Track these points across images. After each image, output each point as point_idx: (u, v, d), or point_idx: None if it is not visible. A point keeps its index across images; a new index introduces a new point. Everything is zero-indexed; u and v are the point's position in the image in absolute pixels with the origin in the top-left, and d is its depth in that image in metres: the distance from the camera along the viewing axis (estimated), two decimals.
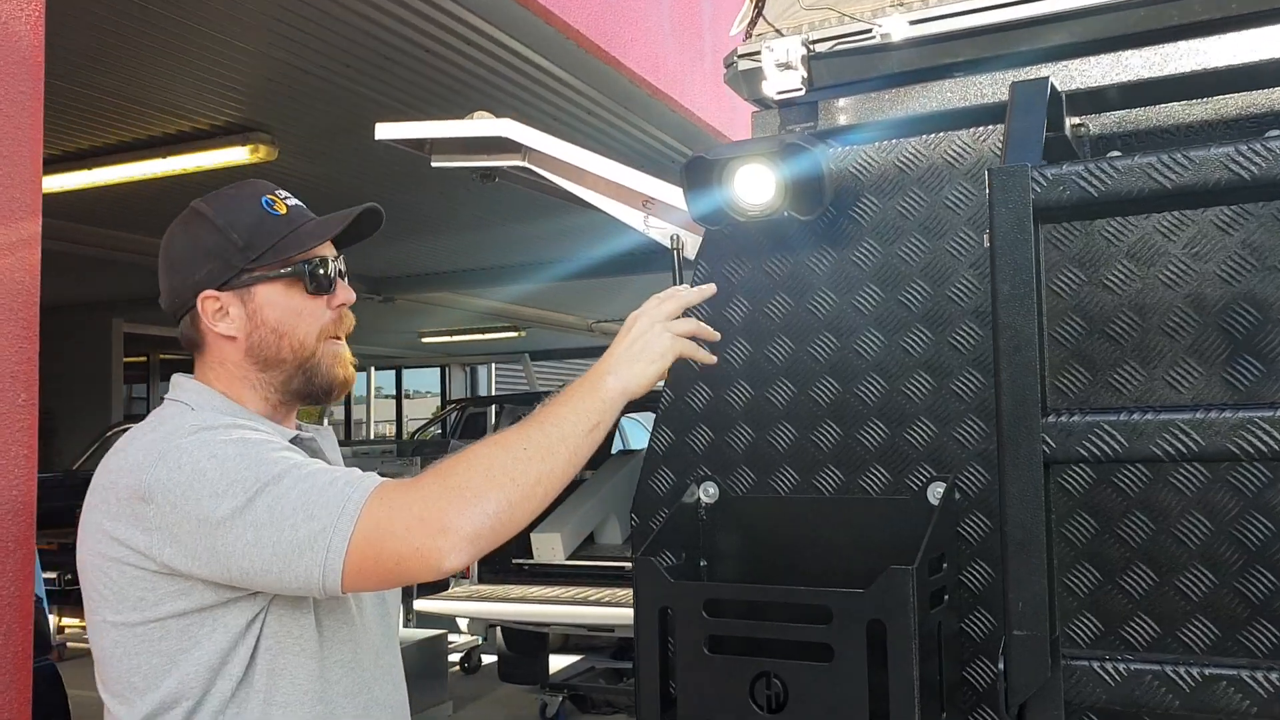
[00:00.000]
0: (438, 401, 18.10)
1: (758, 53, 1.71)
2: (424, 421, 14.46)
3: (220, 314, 1.50)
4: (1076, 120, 1.50)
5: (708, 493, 1.81)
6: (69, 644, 8.72)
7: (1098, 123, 1.58)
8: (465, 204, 6.22)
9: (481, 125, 2.16)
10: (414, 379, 19.55)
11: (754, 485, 1.79)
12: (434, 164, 2.36)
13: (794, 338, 1.77)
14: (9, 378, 1.62)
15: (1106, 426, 1.18)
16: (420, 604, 6.66)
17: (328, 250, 1.57)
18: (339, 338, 1.57)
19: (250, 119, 4.85)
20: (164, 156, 5.03)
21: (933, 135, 1.69)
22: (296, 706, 1.43)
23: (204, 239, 1.51)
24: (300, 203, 1.58)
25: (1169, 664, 1.20)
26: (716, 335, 1.63)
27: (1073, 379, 1.57)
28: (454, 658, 7.78)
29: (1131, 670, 1.21)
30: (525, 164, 2.21)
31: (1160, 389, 1.52)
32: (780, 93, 1.70)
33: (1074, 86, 1.56)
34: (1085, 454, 1.19)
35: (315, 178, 5.84)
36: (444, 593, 6.86)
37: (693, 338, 1.58)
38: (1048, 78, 1.38)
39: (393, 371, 18.86)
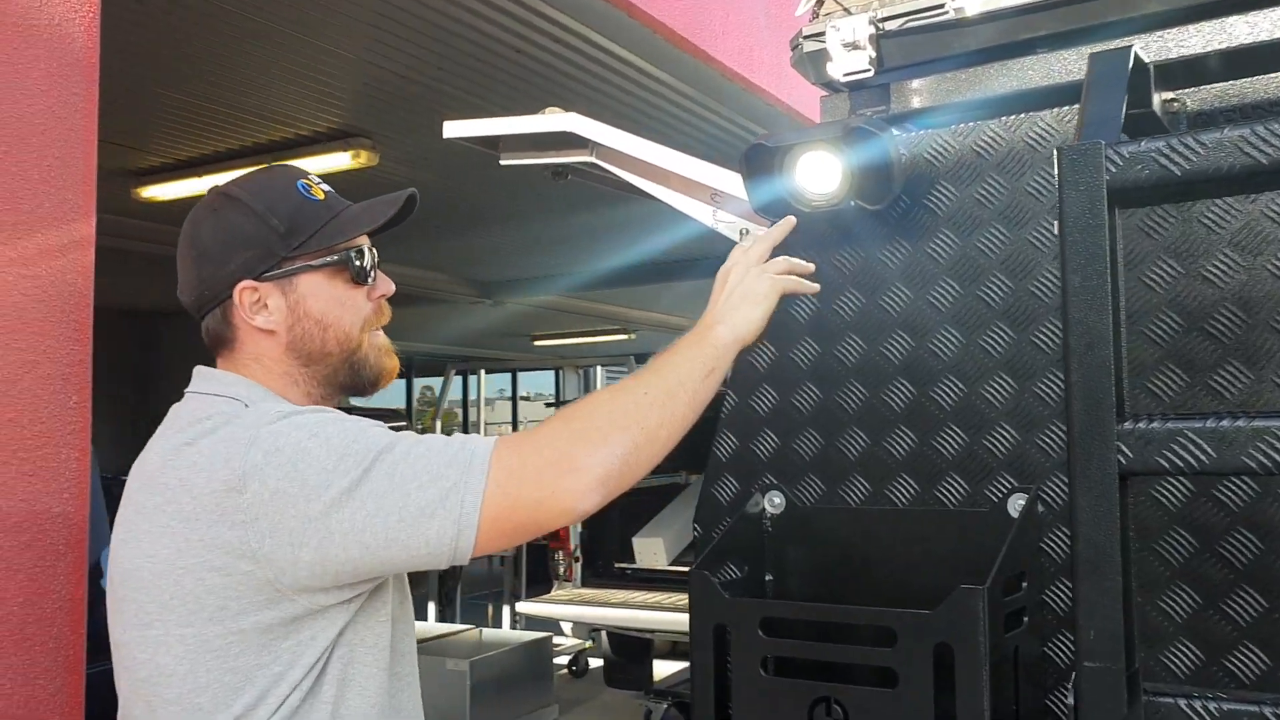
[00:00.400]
0: (552, 404, 18.24)
1: (823, 33, 1.60)
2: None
3: (258, 306, 1.41)
4: (1169, 95, 1.35)
5: (773, 503, 1.71)
6: None
7: (1197, 97, 1.43)
8: (570, 208, 6.21)
9: (546, 120, 2.10)
10: (529, 381, 19.75)
11: (823, 495, 1.68)
12: (502, 162, 2.31)
13: (865, 337, 1.66)
14: (60, 380, 1.62)
15: (1191, 434, 1.04)
16: (522, 606, 6.67)
17: (365, 239, 1.49)
18: (379, 329, 1.51)
19: (350, 125, 4.91)
20: (268, 163, 5.12)
21: (1013, 117, 1.56)
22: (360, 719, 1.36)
23: (240, 225, 1.40)
24: (333, 189, 1.51)
25: (1269, 704, 1.06)
26: (811, 267, 1.60)
27: (1168, 381, 1.42)
28: (562, 660, 7.79)
29: (1225, 710, 1.07)
30: (593, 159, 2.14)
31: (1269, 392, 1.36)
32: (847, 74, 1.59)
33: (1169, 57, 1.41)
34: (1167, 465, 1.05)
35: (418, 183, 5.88)
36: (546, 596, 6.86)
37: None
38: (1130, 46, 1.24)
39: (508, 375, 19.08)
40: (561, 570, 6.77)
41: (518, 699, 6.52)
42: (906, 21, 1.57)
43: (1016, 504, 1.52)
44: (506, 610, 8.44)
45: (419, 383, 15.88)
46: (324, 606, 1.30)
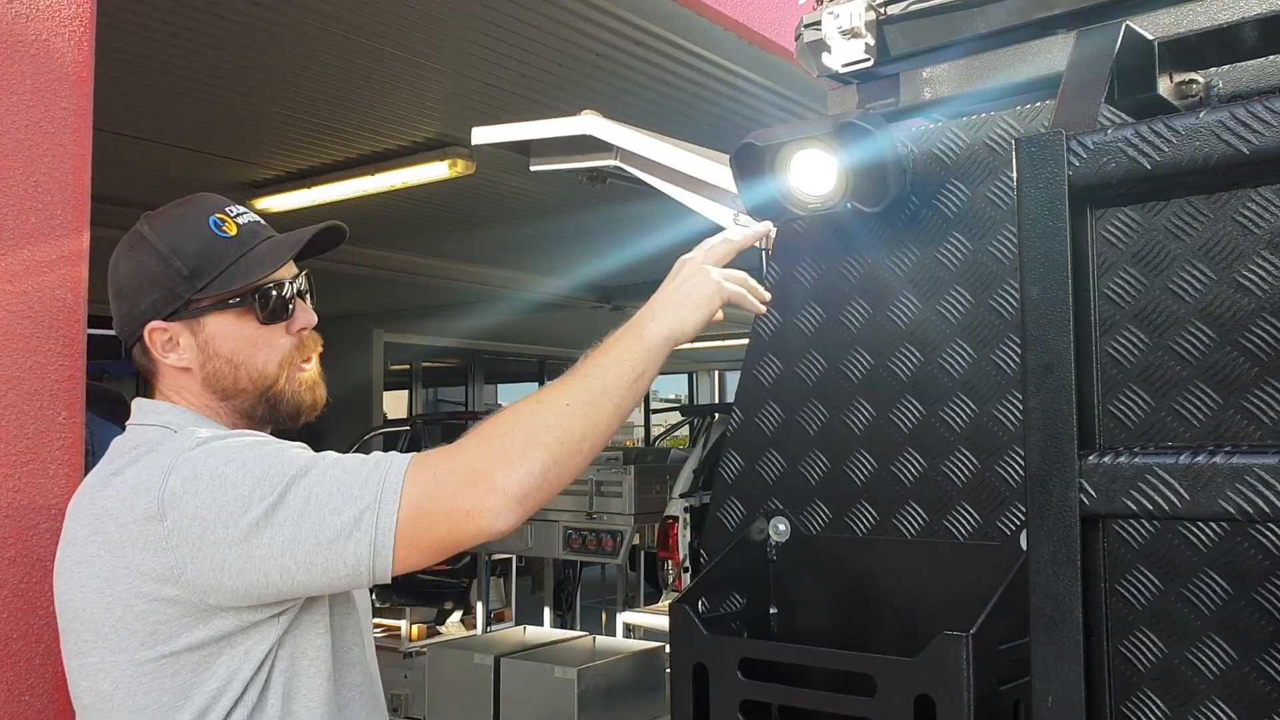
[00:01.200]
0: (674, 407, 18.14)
1: (821, 22, 1.47)
2: (662, 430, 14.49)
3: (170, 345, 1.42)
4: (1184, 77, 1.18)
5: (777, 530, 1.59)
6: None
7: (1230, 76, 1.25)
8: (673, 211, 6.11)
9: (567, 124, 2.03)
10: (662, 385, 19.71)
11: (829, 522, 1.55)
12: (532, 168, 2.24)
13: (872, 351, 1.52)
14: (50, 395, 1.62)
15: (1161, 473, 0.89)
16: (627, 616, 6.61)
17: (284, 272, 1.45)
18: (307, 361, 1.47)
19: (446, 134, 4.95)
20: (371, 174, 5.21)
21: (1029, 107, 1.41)
22: None
23: (147, 266, 1.40)
24: (257, 218, 1.47)
25: None
26: (766, 295, 1.54)
27: (1199, 404, 1.25)
28: None
29: None
30: (617, 163, 2.05)
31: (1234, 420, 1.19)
32: (845, 64, 1.46)
33: (1193, 29, 1.24)
34: (1134, 508, 0.90)
35: (518, 191, 5.91)
36: (653, 606, 6.78)
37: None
38: (1123, 21, 1.08)
39: None
40: (670, 579, 6.68)
41: (627, 708, 6.45)
42: (911, 5, 1.43)
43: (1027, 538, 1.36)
44: (620, 619, 8.41)
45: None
46: (254, 622, 1.30)
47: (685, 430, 12.55)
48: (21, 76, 1.58)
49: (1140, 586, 1.25)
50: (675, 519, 6.86)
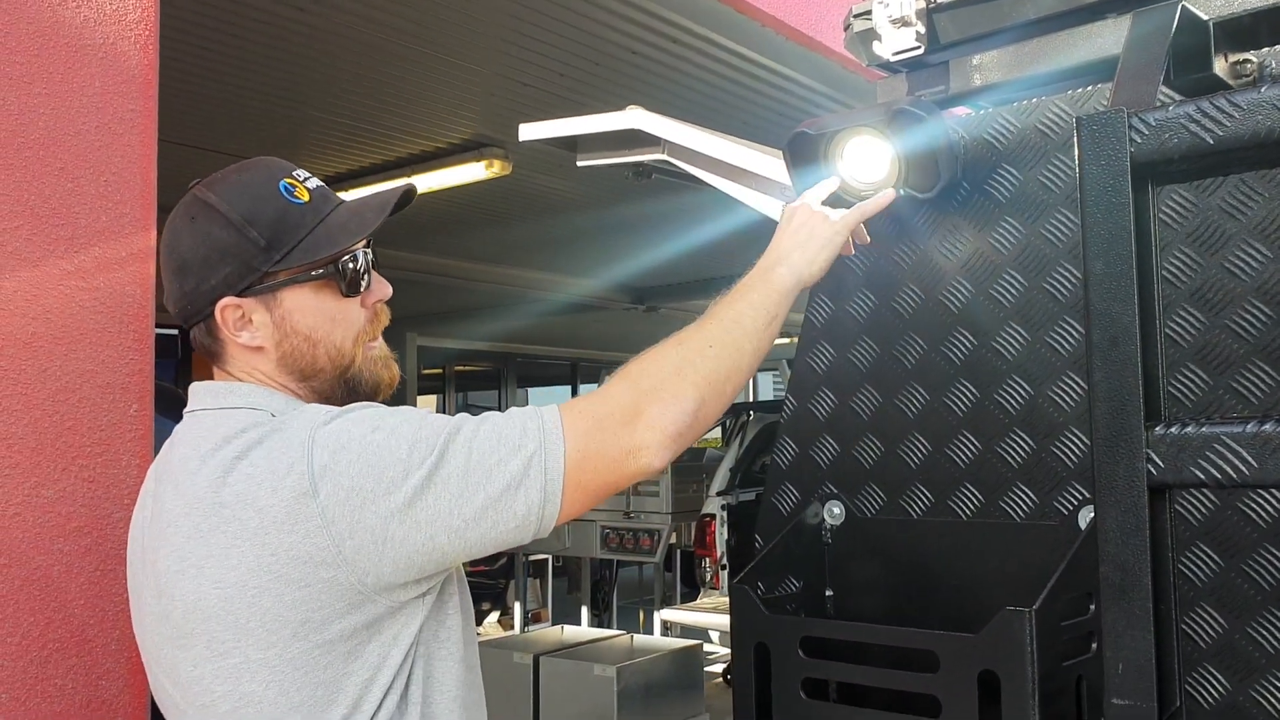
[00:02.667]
0: None
1: (871, 11, 1.50)
2: None
3: (243, 323, 1.31)
4: (1239, 56, 1.20)
5: (832, 513, 1.61)
6: None
7: None
8: (716, 212, 6.15)
9: (615, 118, 2.06)
10: None
11: (884, 505, 1.57)
12: (580, 163, 2.27)
13: (925, 336, 1.54)
14: (120, 389, 1.66)
15: (1229, 440, 0.90)
16: (665, 614, 6.64)
17: (359, 241, 1.35)
18: (376, 338, 1.40)
19: (483, 135, 4.98)
20: (409, 176, 5.25)
21: (1080, 91, 1.43)
22: (446, 715, 1.31)
23: (217, 237, 1.28)
24: (320, 181, 1.38)
25: None
26: (866, 237, 1.56)
27: (1257, 381, 1.26)
28: (717, 668, 7.71)
29: None
30: (665, 156, 2.08)
31: None
32: (896, 53, 1.48)
33: (1247, 9, 1.25)
34: (1202, 476, 0.92)
35: (553, 191, 5.94)
36: (691, 604, 6.81)
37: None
38: (1178, 1, 1.10)
39: None
40: (708, 577, 6.70)
41: (667, 706, 6.46)
42: None
43: (1087, 516, 1.38)
44: (658, 616, 8.42)
45: (584, 389, 16.09)
46: (403, 603, 1.24)
47: (717, 431, 12.55)
48: (90, 79, 1.63)
49: (1201, 563, 1.26)
50: (712, 517, 6.88)
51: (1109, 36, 1.41)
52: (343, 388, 1.36)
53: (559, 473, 1.22)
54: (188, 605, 1.21)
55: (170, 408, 2.49)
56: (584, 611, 8.30)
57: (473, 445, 1.21)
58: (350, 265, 1.34)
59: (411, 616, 1.25)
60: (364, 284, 1.36)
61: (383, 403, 1.35)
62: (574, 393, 15.41)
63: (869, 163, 1.47)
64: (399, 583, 1.22)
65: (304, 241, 1.30)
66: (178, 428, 1.33)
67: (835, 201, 1.50)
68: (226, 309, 1.30)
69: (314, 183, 1.36)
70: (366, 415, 1.23)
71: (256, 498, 1.18)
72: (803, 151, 1.50)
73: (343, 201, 1.37)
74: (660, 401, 1.28)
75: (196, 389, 1.35)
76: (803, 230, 1.45)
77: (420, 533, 1.18)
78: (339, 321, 1.35)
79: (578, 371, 15.29)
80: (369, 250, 1.37)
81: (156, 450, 1.77)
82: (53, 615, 1.59)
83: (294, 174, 1.35)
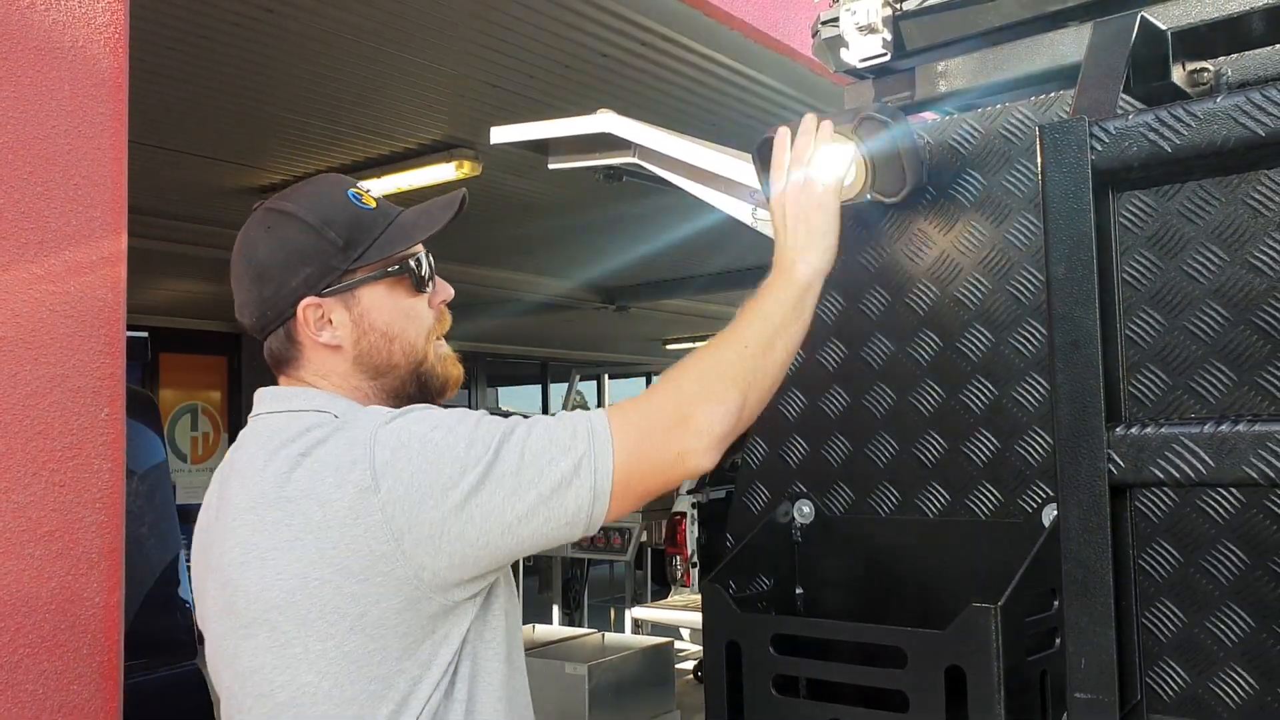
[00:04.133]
0: None
1: (839, 18, 1.52)
2: None
3: (323, 322, 1.36)
4: (1196, 65, 1.23)
5: (802, 512, 1.63)
6: None
7: (1238, 65, 1.29)
8: (687, 211, 6.17)
9: (586, 122, 2.07)
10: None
11: (852, 504, 1.59)
12: (551, 166, 2.28)
13: (892, 337, 1.56)
14: (91, 393, 1.65)
15: (1187, 441, 0.93)
16: (637, 612, 6.64)
17: (420, 246, 1.44)
18: (442, 338, 1.47)
19: (453, 136, 4.98)
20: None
21: (1044, 97, 1.45)
22: (490, 714, 1.34)
23: (296, 240, 1.35)
24: (380, 195, 1.46)
25: None
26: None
27: (1214, 382, 1.29)
28: (687, 665, 7.73)
29: None
30: (635, 160, 2.09)
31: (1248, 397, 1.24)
32: (863, 59, 1.50)
33: (1204, 20, 1.28)
34: (1162, 476, 0.94)
35: (523, 192, 5.94)
36: (663, 601, 6.82)
37: None
38: (1137, 12, 1.13)
39: (643, 379, 19.15)
40: (679, 575, 6.72)
41: (638, 704, 6.47)
42: (926, 0, 1.47)
43: (1050, 514, 1.41)
44: (629, 615, 8.44)
45: (554, 389, 16.08)
46: (457, 602, 1.28)
47: None
48: (60, 82, 1.62)
49: (1161, 559, 1.29)
50: (683, 515, 6.90)
51: (1070, 44, 1.44)
52: (415, 383, 1.43)
53: (608, 474, 1.27)
54: (251, 595, 1.26)
55: (141, 411, 2.49)
56: (555, 610, 8.30)
57: (526, 445, 1.25)
58: (420, 263, 1.42)
59: (462, 617, 1.30)
60: (430, 284, 1.45)
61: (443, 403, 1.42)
62: (544, 393, 15.41)
63: (836, 168, 1.49)
64: (454, 580, 1.26)
65: (378, 240, 1.37)
66: (244, 431, 1.39)
67: None
68: (308, 308, 1.36)
69: (376, 193, 1.44)
70: (426, 415, 1.29)
71: (321, 492, 1.23)
72: (770, 156, 1.52)
73: (404, 209, 1.44)
74: (705, 405, 1.32)
75: (263, 394, 1.40)
76: (801, 225, 1.46)
77: (475, 528, 1.23)
78: (412, 318, 1.42)
79: (548, 371, 15.27)
80: (430, 256, 1.45)
81: (128, 453, 1.77)
82: (23, 620, 1.59)
83: (358, 185, 1.43)
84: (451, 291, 1.49)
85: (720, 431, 1.32)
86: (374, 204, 1.41)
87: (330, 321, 1.37)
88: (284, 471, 1.26)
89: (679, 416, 1.31)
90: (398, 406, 1.38)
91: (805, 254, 1.45)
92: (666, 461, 1.30)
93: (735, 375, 1.35)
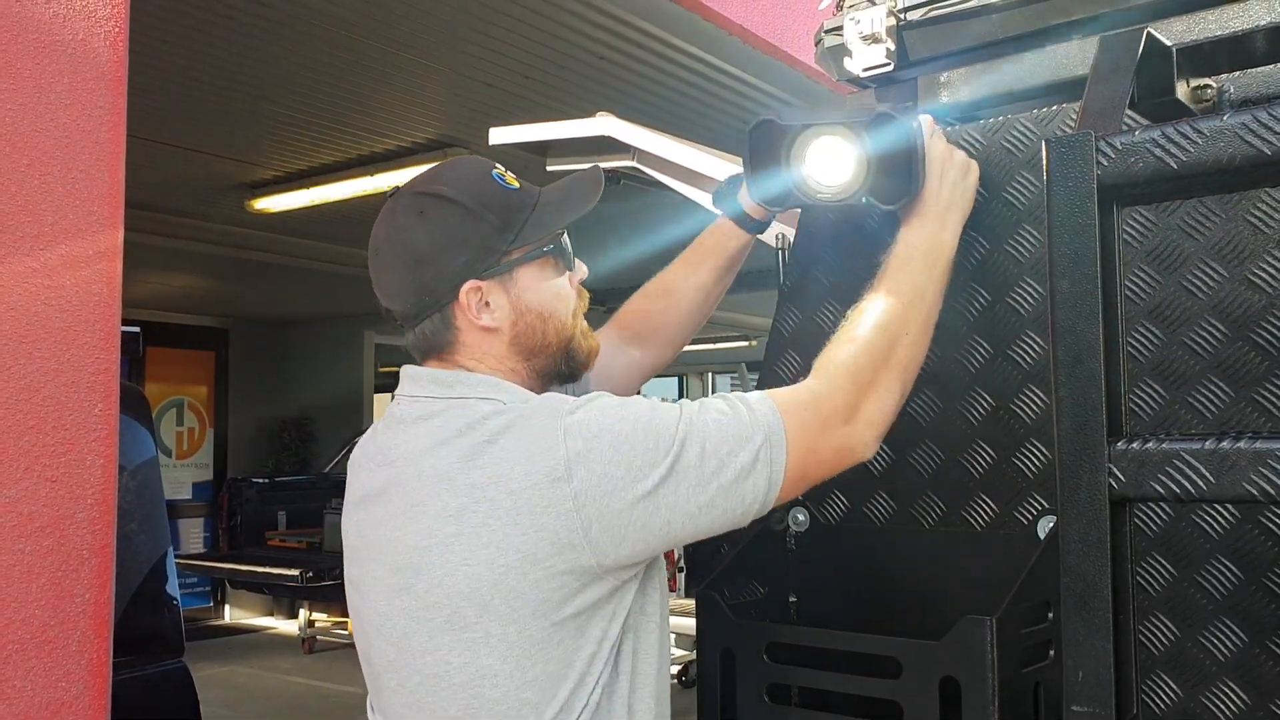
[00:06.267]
0: None
1: (842, 27, 1.52)
2: None
3: (483, 305, 1.37)
4: (1200, 82, 1.23)
5: (796, 520, 1.63)
6: (318, 638, 9.32)
7: (1241, 82, 1.30)
8: (679, 214, 6.14)
9: (585, 125, 2.07)
10: (652, 388, 19.75)
11: (847, 512, 1.60)
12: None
13: None
14: (87, 388, 1.65)
15: (1188, 457, 0.93)
16: None
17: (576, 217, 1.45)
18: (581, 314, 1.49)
19: (447, 135, 4.98)
20: (371, 174, 5.24)
21: (1046, 110, 1.46)
22: (650, 685, 1.37)
23: (453, 225, 1.35)
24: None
25: None
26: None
27: (1211, 395, 1.30)
28: (673, 670, 7.71)
29: None
30: (634, 163, 2.09)
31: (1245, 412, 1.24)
32: (866, 69, 1.50)
33: (1207, 37, 1.29)
34: (1162, 491, 0.95)
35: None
36: None
37: None
38: (1144, 28, 1.13)
39: None
40: (666, 580, 6.72)
41: None
42: (930, 10, 1.47)
43: (1046, 527, 1.41)
44: None
45: None
46: (625, 580, 1.32)
47: None
48: (59, 75, 1.61)
49: (1155, 573, 1.29)
50: None
51: (1073, 57, 1.44)
52: (564, 359, 1.45)
53: (783, 465, 1.30)
54: (434, 581, 1.28)
55: (131, 406, 2.48)
56: None
57: (706, 437, 1.28)
58: (567, 242, 1.44)
59: (627, 591, 1.34)
60: (573, 262, 1.46)
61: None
62: None
63: (833, 166, 1.46)
64: (629, 563, 1.29)
65: (530, 220, 1.38)
66: (397, 411, 1.40)
67: (794, 202, 1.51)
68: (470, 292, 1.36)
69: (513, 174, 1.44)
70: (609, 405, 1.31)
71: (510, 479, 1.25)
72: (764, 143, 1.48)
73: (540, 189, 1.44)
74: (874, 396, 1.35)
75: (416, 376, 1.41)
76: (947, 177, 1.43)
77: (659, 518, 1.26)
78: (562, 297, 1.44)
79: None
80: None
81: (120, 449, 1.76)
82: (13, 616, 1.58)
83: (497, 165, 1.43)
84: (586, 270, 1.50)
85: (887, 421, 1.37)
86: (518, 184, 1.42)
87: (489, 304, 1.38)
88: (468, 458, 1.28)
89: (849, 407, 1.33)
90: (546, 385, 1.45)
91: (951, 221, 1.44)
92: (835, 452, 1.34)
93: (898, 364, 1.37)
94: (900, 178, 1.43)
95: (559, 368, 1.45)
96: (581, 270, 1.49)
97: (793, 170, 1.47)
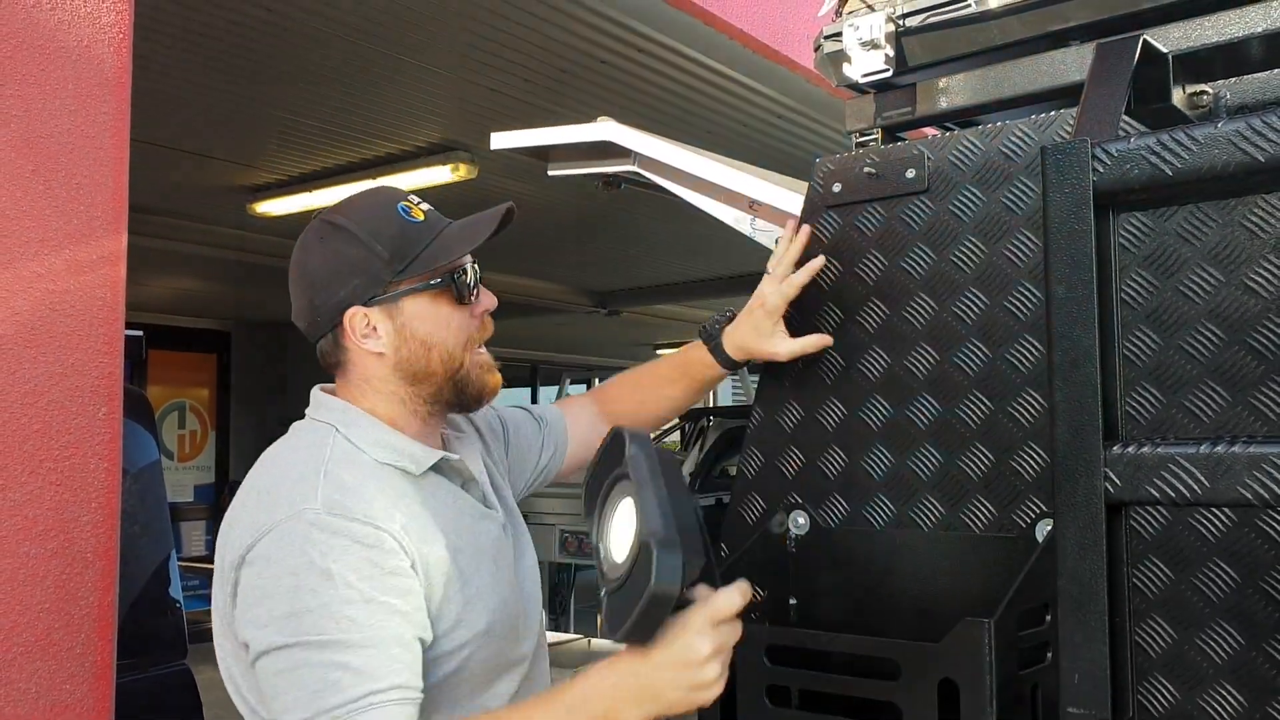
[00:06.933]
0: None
1: (842, 33, 1.53)
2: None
3: (368, 330, 1.43)
4: (1196, 88, 1.24)
5: (796, 523, 1.64)
6: None
7: (1237, 89, 1.31)
8: (682, 216, 6.18)
9: (586, 130, 2.08)
10: None
11: (847, 516, 1.60)
12: (551, 173, 2.29)
13: (889, 351, 1.57)
14: (89, 391, 1.66)
15: (1183, 461, 0.94)
16: None
17: (467, 257, 1.49)
18: (482, 346, 1.52)
19: (449, 139, 4.98)
20: (373, 178, 5.24)
21: (1044, 115, 1.47)
22: None
23: (346, 253, 1.43)
24: (431, 206, 1.51)
25: None
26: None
27: (1207, 399, 1.31)
28: None
29: None
30: (635, 168, 2.10)
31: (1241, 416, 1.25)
32: (865, 75, 1.51)
33: (1204, 43, 1.30)
34: (1158, 495, 0.96)
35: (518, 194, 5.95)
36: None
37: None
38: (1139, 34, 1.14)
39: None
40: None
41: None
42: (929, 17, 1.48)
43: (1044, 530, 1.42)
44: None
45: (544, 392, 16.07)
46: None
47: (676, 435, 12.58)
48: (64, 81, 1.62)
49: (1153, 576, 1.30)
50: None
51: (1071, 63, 1.45)
52: (451, 389, 1.49)
53: None
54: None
55: (134, 410, 2.48)
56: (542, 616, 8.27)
57: (307, 663, 1.25)
58: (462, 276, 1.47)
59: None
60: (474, 294, 1.49)
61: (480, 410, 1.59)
62: (533, 396, 15.40)
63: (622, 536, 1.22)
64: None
65: (422, 254, 1.43)
66: (294, 424, 1.49)
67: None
68: (354, 317, 1.43)
69: (426, 206, 1.50)
70: (313, 550, 1.27)
71: (228, 539, 1.35)
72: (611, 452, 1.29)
73: (452, 221, 1.50)
74: None
75: (313, 393, 1.51)
76: (684, 675, 1.21)
77: (252, 672, 1.31)
78: (452, 327, 1.47)
79: (538, 374, 15.27)
80: (476, 265, 1.50)
81: (124, 453, 1.77)
82: (16, 619, 1.58)
83: (409, 198, 1.49)
84: (494, 301, 1.54)
85: None
86: (422, 216, 1.47)
87: (375, 330, 1.44)
88: (241, 497, 1.38)
89: None
90: (435, 411, 1.50)
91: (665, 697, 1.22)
92: None
93: None
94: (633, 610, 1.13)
95: (447, 396, 1.49)
96: (487, 301, 1.52)
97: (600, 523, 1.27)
